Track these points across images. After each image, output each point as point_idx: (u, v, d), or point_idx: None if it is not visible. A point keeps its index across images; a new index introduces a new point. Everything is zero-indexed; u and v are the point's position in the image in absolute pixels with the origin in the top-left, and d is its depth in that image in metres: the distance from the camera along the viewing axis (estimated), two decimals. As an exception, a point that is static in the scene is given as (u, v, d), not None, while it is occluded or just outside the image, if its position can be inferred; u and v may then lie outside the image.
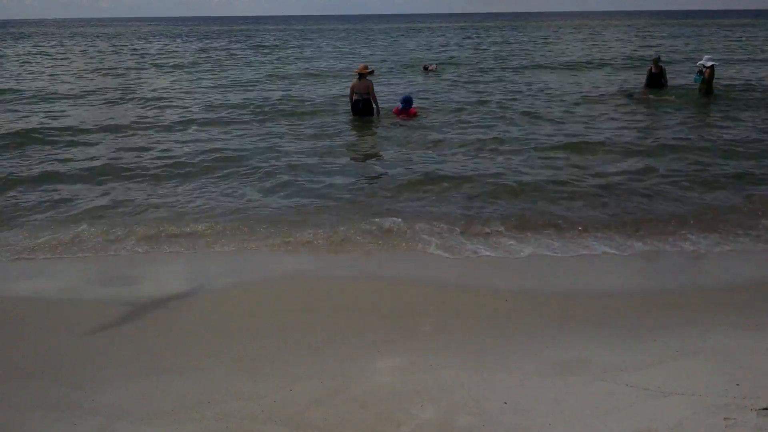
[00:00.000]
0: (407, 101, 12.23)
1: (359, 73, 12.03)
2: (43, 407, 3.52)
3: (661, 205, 7.18)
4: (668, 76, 15.76)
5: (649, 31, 52.45)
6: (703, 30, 53.83)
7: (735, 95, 14.82)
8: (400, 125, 11.60)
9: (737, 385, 3.52)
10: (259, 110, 13.75)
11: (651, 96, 14.69)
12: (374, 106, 12.16)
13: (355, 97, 12.20)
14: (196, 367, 3.89)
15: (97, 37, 59.12)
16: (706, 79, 14.31)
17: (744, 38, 39.17)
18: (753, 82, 17.05)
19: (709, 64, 14.32)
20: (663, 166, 8.81)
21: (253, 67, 24.43)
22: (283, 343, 4.19)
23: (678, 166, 8.77)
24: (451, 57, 28.12)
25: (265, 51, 34.88)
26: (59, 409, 3.49)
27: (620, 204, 7.20)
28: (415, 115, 12.18)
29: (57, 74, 22.53)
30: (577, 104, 14.26)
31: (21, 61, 29.27)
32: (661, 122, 11.97)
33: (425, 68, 20.32)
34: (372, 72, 12.32)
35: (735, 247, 5.95)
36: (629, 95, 14.93)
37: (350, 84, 12.65)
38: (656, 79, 15.35)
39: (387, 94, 15.19)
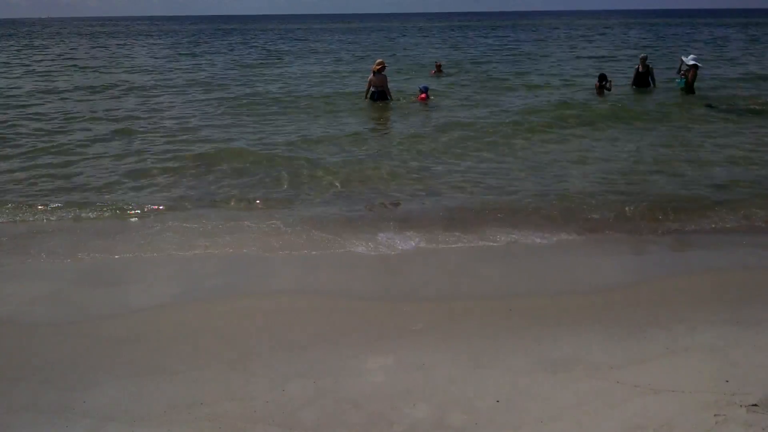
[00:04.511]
0: (425, 89, 14.71)
1: (376, 69, 13.53)
2: (33, 409, 3.49)
3: (647, 202, 7.23)
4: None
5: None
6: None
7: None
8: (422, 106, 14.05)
9: (726, 381, 3.55)
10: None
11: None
12: (389, 96, 13.90)
13: (372, 89, 13.82)
14: (188, 368, 3.88)
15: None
16: (689, 81, 14.22)
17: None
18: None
19: (692, 63, 14.16)
20: (646, 161, 8.92)
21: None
22: (275, 343, 4.18)
23: (663, 162, 8.87)
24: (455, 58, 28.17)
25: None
26: (50, 411, 3.47)
27: (607, 201, 7.25)
28: (429, 98, 14.63)
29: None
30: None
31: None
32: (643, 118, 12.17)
33: (438, 67, 20.86)
34: (386, 66, 14.03)
35: (723, 243, 6.01)
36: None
37: (368, 79, 14.06)
38: (643, 78, 15.44)
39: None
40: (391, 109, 13.55)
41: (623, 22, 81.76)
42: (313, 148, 10.02)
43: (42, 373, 3.87)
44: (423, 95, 14.56)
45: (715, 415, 3.23)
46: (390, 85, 14.17)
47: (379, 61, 13.91)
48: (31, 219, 6.88)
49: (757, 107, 13.07)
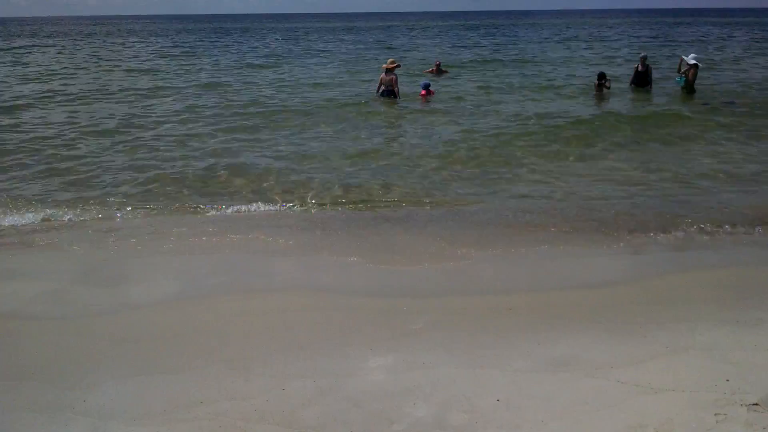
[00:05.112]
0: (426, 86, 15.05)
1: (388, 68, 13.93)
2: (34, 409, 3.49)
3: (648, 201, 7.24)
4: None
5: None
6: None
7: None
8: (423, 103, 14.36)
9: (727, 380, 3.54)
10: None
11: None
12: (397, 94, 14.10)
13: (382, 88, 14.16)
14: (188, 367, 3.87)
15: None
16: (689, 80, 14.26)
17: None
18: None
19: (692, 62, 14.21)
20: (646, 162, 8.93)
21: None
22: (275, 342, 4.18)
23: (663, 161, 8.89)
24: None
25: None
26: (50, 410, 3.47)
27: (607, 200, 7.25)
28: (433, 94, 15.00)
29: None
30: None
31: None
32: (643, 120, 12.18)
33: (437, 66, 20.80)
34: (399, 66, 14.49)
35: (722, 243, 6.00)
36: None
37: (379, 77, 14.48)
38: (642, 77, 15.44)
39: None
40: (398, 110, 13.49)
41: (626, 21, 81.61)
42: (318, 151, 10.01)
43: (42, 372, 3.87)
44: (423, 92, 14.72)
45: (715, 414, 3.22)
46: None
47: (391, 60, 14.32)
48: (32, 218, 6.88)
49: (755, 108, 13.05)
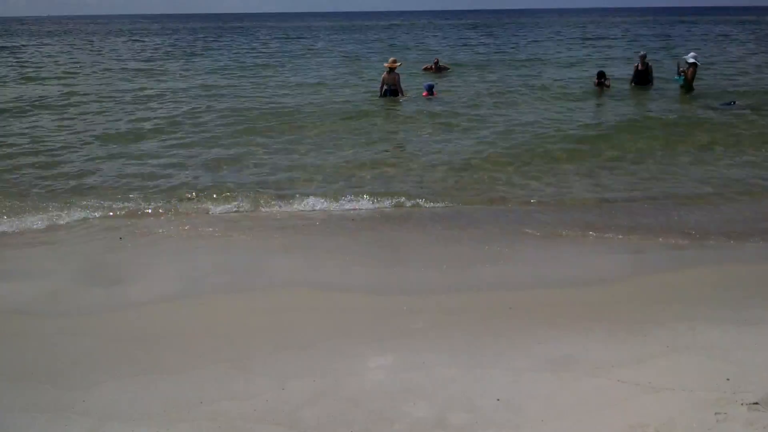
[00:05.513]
0: (430, 87, 15.08)
1: (390, 68, 14.03)
2: (33, 409, 3.49)
3: (648, 200, 7.23)
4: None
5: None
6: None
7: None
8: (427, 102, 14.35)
9: (727, 379, 3.54)
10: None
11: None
12: (400, 93, 14.21)
13: (384, 87, 14.23)
14: (188, 367, 3.87)
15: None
16: (689, 79, 14.27)
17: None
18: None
19: (691, 61, 14.24)
20: (645, 163, 8.92)
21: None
22: (275, 342, 4.17)
23: (661, 163, 8.88)
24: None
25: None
26: (50, 410, 3.47)
27: (609, 198, 7.25)
28: (436, 95, 14.90)
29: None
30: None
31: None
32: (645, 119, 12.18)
33: (435, 63, 20.66)
34: (400, 65, 14.54)
35: (723, 242, 5.99)
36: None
37: (381, 77, 14.57)
38: (642, 76, 15.43)
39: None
40: (401, 110, 13.43)
41: (628, 20, 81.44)
42: (319, 151, 10.01)
43: (42, 372, 3.87)
44: (425, 93, 14.73)
45: (716, 414, 3.22)
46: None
47: (392, 59, 14.34)
48: (32, 218, 6.87)
49: (755, 108, 13.03)
